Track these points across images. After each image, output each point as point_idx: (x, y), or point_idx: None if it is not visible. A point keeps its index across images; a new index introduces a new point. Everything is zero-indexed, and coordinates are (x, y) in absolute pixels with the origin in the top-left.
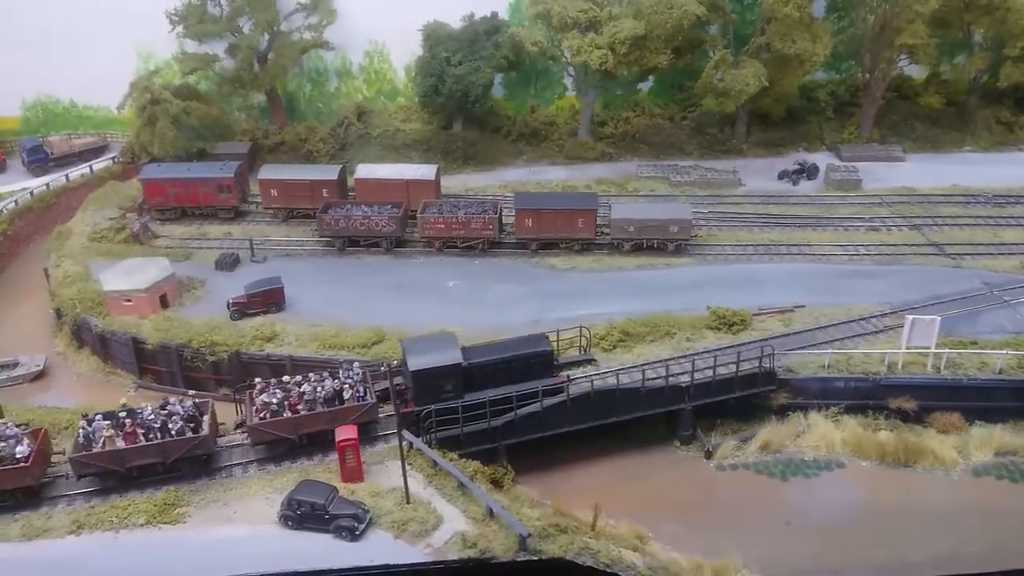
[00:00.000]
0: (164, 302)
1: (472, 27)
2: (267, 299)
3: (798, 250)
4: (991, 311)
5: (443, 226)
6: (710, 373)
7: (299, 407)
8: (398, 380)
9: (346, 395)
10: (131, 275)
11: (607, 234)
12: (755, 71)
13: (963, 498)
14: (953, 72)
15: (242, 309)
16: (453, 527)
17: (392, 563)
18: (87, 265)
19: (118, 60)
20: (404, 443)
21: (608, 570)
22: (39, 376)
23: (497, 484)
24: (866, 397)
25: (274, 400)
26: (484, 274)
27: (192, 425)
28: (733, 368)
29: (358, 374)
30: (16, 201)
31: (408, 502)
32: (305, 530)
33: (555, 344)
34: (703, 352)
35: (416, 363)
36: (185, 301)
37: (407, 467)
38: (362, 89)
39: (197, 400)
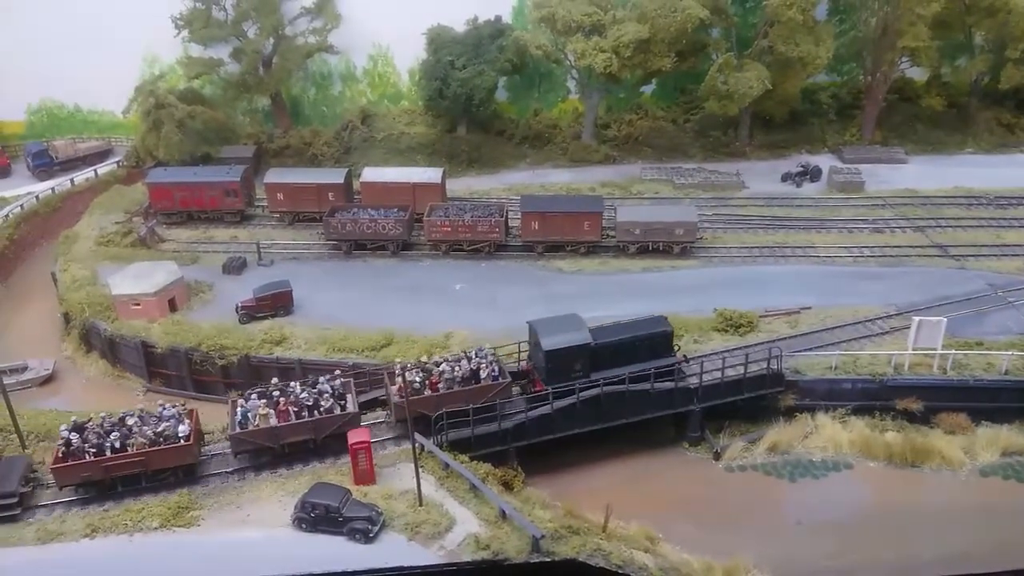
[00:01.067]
0: (173, 306)
1: (476, 31)
2: (275, 302)
3: (803, 252)
4: (996, 312)
5: (449, 229)
6: (718, 375)
7: (439, 386)
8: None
9: (482, 374)
10: (140, 279)
11: (613, 237)
12: (758, 74)
13: (970, 498)
14: (954, 74)
15: (251, 312)
16: (466, 529)
17: (406, 565)
18: (95, 269)
19: (123, 64)
20: (415, 445)
21: (620, 571)
22: (48, 380)
23: (508, 486)
24: (873, 398)
25: (416, 379)
26: (491, 277)
27: (342, 403)
28: (741, 370)
29: (492, 355)
30: (22, 205)
31: (421, 504)
32: (319, 532)
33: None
34: (711, 354)
35: (550, 343)
36: (193, 305)
37: (419, 469)
38: (366, 93)
39: (341, 379)
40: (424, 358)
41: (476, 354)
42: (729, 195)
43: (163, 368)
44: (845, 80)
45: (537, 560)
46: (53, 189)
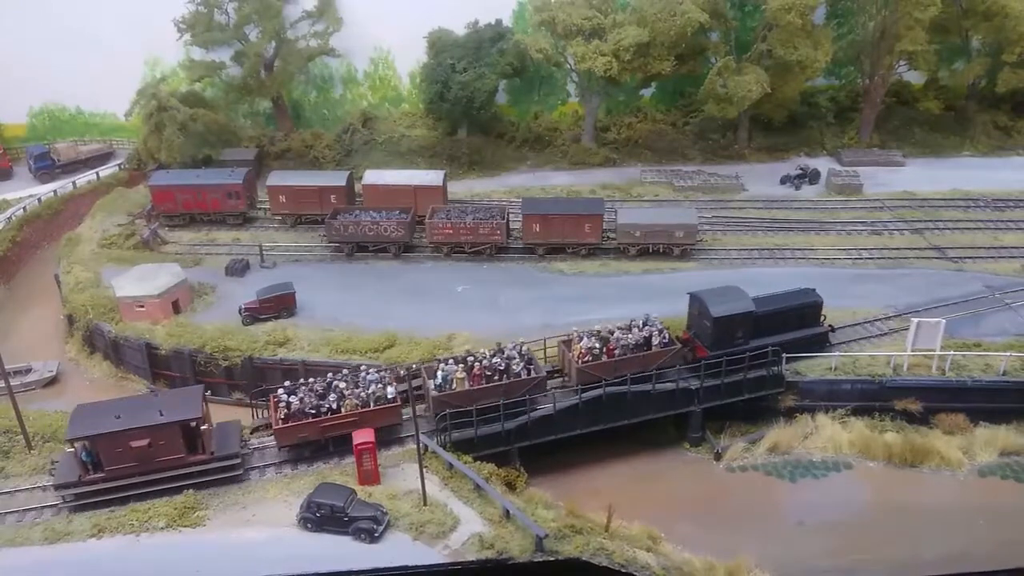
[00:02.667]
0: (176, 307)
1: (477, 34)
2: (279, 304)
3: (802, 254)
4: (994, 314)
5: (451, 231)
6: (719, 376)
7: (615, 352)
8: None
9: (654, 341)
10: (143, 281)
11: (613, 239)
12: (757, 77)
13: (969, 498)
14: (952, 78)
15: (254, 314)
16: (470, 529)
17: (411, 564)
18: (98, 271)
19: (125, 67)
20: (420, 446)
21: (623, 570)
22: (52, 382)
23: (511, 486)
24: (872, 399)
25: (596, 346)
26: (492, 279)
27: (531, 367)
28: (741, 372)
29: (660, 324)
30: (24, 208)
31: (425, 504)
32: (324, 532)
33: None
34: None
35: (718, 310)
36: (197, 307)
37: (423, 470)
38: (367, 96)
39: (523, 345)
40: (598, 327)
41: (645, 323)
42: (728, 197)
43: (167, 370)
44: (843, 83)
45: (541, 559)
46: (55, 192)
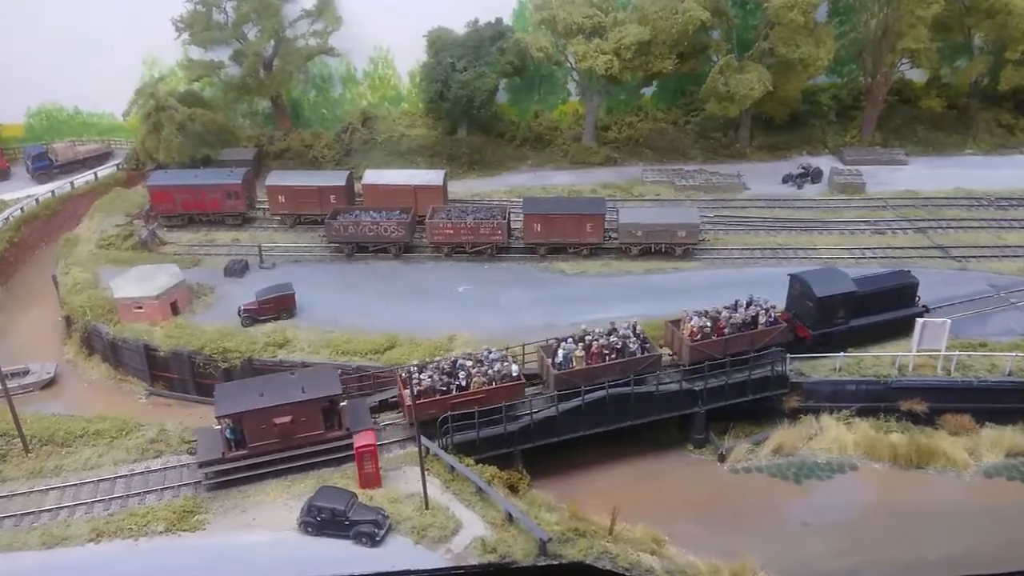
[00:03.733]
0: (175, 309)
1: (477, 33)
2: (278, 305)
3: (805, 254)
4: (999, 313)
5: (452, 231)
6: (723, 377)
7: (725, 331)
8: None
9: (761, 320)
10: (142, 282)
11: (615, 239)
12: (759, 76)
13: (975, 499)
14: (954, 76)
15: (253, 315)
16: (472, 532)
17: (412, 568)
18: (96, 272)
19: (123, 67)
20: (421, 448)
21: (627, 573)
22: (50, 384)
23: (513, 489)
24: (877, 400)
25: (707, 325)
26: (494, 279)
27: (646, 346)
28: (745, 372)
29: (766, 304)
30: (22, 208)
31: (427, 508)
32: (325, 536)
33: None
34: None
35: (821, 291)
36: (195, 308)
37: (425, 472)
38: (367, 95)
39: (636, 325)
40: (708, 308)
41: (749, 303)
42: (730, 197)
43: (165, 371)
44: (845, 82)
45: (544, 563)
46: (53, 192)
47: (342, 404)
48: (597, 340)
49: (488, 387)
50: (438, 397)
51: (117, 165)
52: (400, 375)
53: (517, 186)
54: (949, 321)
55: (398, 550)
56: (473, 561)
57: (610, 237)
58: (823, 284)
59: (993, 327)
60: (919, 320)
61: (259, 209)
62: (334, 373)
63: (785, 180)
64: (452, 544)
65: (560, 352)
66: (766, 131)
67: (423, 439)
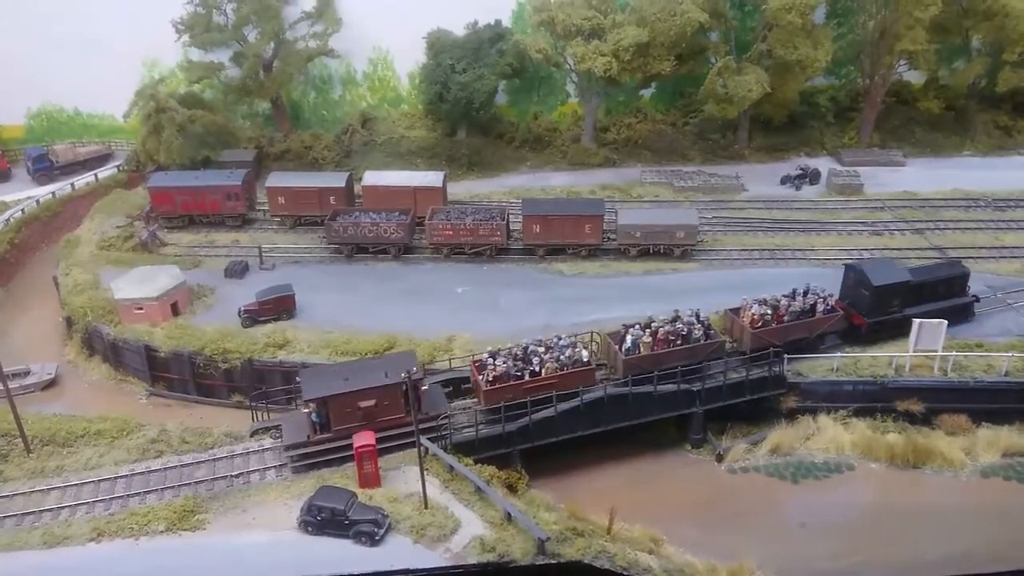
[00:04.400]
0: (175, 310)
1: (476, 35)
2: (278, 306)
3: (803, 255)
4: (996, 314)
5: (451, 233)
6: (721, 377)
7: (784, 318)
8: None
9: (819, 308)
10: (142, 283)
11: (614, 240)
12: (757, 77)
13: (972, 498)
14: (952, 77)
15: (253, 316)
16: (471, 531)
17: (412, 567)
18: (97, 273)
19: (123, 68)
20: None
21: (625, 573)
22: (50, 384)
23: (512, 489)
24: (874, 400)
25: (768, 312)
26: (493, 280)
27: (709, 332)
28: (743, 372)
29: (823, 292)
30: (23, 210)
31: (426, 507)
32: (325, 536)
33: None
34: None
35: (878, 280)
36: (196, 309)
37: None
38: (366, 97)
39: (699, 313)
40: (766, 296)
41: (806, 292)
42: (729, 198)
43: (166, 372)
44: (843, 83)
45: (542, 562)
46: (53, 193)
47: (423, 388)
48: (663, 327)
49: (560, 372)
50: (512, 382)
51: (117, 167)
52: (474, 362)
53: (516, 187)
54: (946, 322)
55: (397, 549)
56: (472, 560)
57: (609, 238)
58: (879, 274)
59: (990, 328)
60: (915, 321)
61: (259, 210)
62: (413, 357)
63: (783, 181)
64: (451, 543)
65: (628, 338)
66: (764, 132)
67: (423, 439)
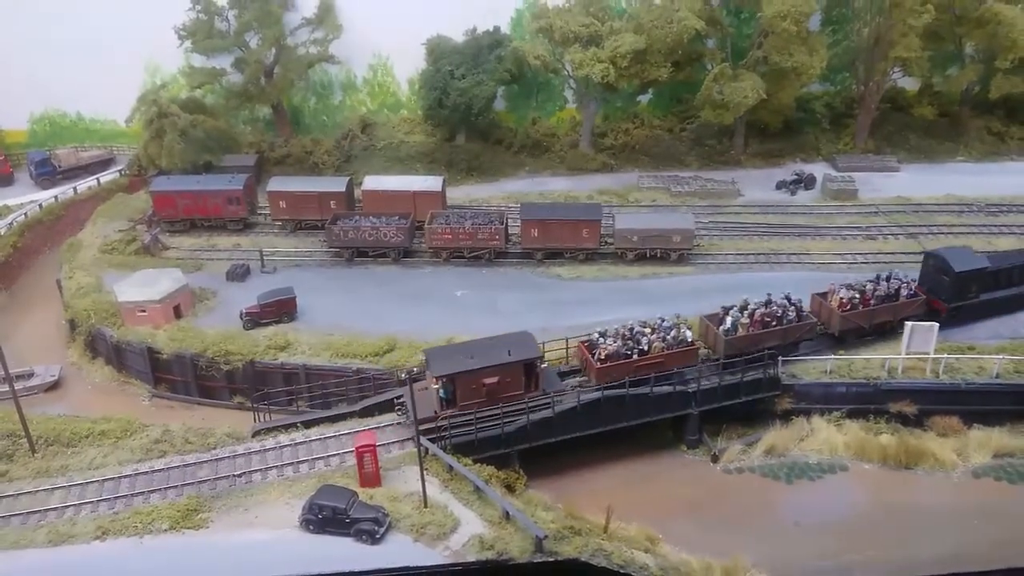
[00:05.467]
0: (178, 312)
1: (475, 41)
2: (280, 309)
3: (798, 259)
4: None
5: (450, 236)
6: (716, 379)
7: (871, 302)
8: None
9: (903, 293)
10: (145, 286)
11: (611, 244)
12: (753, 84)
13: (964, 499)
14: (946, 84)
15: (255, 319)
16: (470, 530)
17: (412, 565)
18: (99, 276)
19: (126, 74)
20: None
21: (622, 571)
22: (54, 386)
23: (510, 488)
24: (867, 401)
25: (856, 296)
26: (491, 283)
27: (801, 314)
28: (738, 374)
29: (906, 278)
30: (25, 214)
31: (426, 506)
32: (326, 534)
33: (565, 351)
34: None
35: (959, 266)
36: (198, 311)
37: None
38: (366, 102)
39: (791, 295)
40: (852, 282)
41: (889, 277)
42: (725, 203)
43: (168, 374)
44: (838, 89)
45: (540, 560)
46: (56, 197)
47: (542, 366)
48: (759, 308)
49: (667, 351)
50: (622, 361)
51: (120, 171)
52: (582, 343)
53: (515, 192)
54: (937, 325)
55: (398, 547)
56: (471, 558)
57: (606, 242)
58: (960, 261)
59: (981, 331)
60: (908, 323)
61: (260, 214)
62: (532, 337)
63: (779, 187)
64: (450, 541)
65: (728, 320)
66: (760, 138)
67: (422, 439)
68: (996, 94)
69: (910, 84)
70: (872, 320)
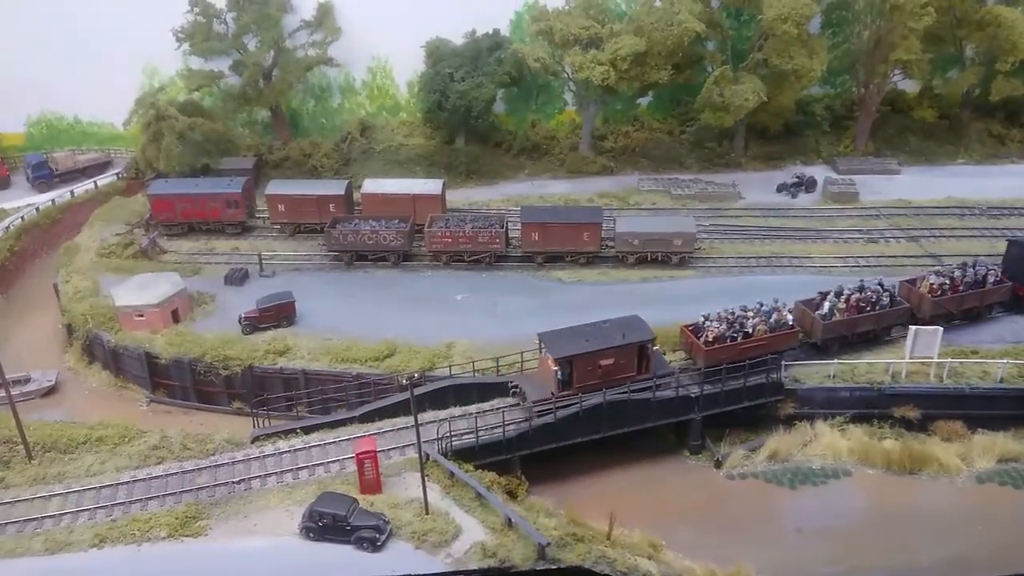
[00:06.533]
0: (176, 317)
1: (475, 43)
2: (279, 313)
3: (799, 262)
4: (990, 321)
5: (450, 240)
6: (719, 384)
7: (960, 288)
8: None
9: (989, 279)
10: (143, 290)
11: (612, 247)
12: (753, 86)
13: (968, 504)
14: (946, 86)
15: (254, 323)
16: (472, 537)
17: (413, 573)
18: (96, 281)
19: (123, 76)
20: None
21: None
22: (51, 391)
23: (512, 495)
24: (871, 406)
25: (946, 282)
26: (491, 287)
27: (897, 299)
28: (741, 379)
29: (990, 266)
30: (22, 217)
31: (427, 513)
32: (327, 541)
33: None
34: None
35: None
36: (196, 316)
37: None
38: (365, 105)
39: (883, 282)
40: (940, 268)
41: (974, 264)
42: (726, 206)
43: (166, 379)
44: (839, 92)
45: (543, 567)
46: (53, 201)
47: (654, 349)
48: (854, 294)
49: (770, 334)
50: (728, 343)
51: (117, 174)
52: (687, 326)
53: (515, 195)
54: (941, 329)
55: (399, 555)
56: (473, 566)
57: (607, 246)
58: None
59: (985, 335)
60: (911, 327)
61: (259, 218)
62: (642, 320)
63: (779, 189)
64: (452, 549)
65: (826, 305)
66: (761, 141)
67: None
68: (996, 97)
69: (910, 87)
70: (961, 306)
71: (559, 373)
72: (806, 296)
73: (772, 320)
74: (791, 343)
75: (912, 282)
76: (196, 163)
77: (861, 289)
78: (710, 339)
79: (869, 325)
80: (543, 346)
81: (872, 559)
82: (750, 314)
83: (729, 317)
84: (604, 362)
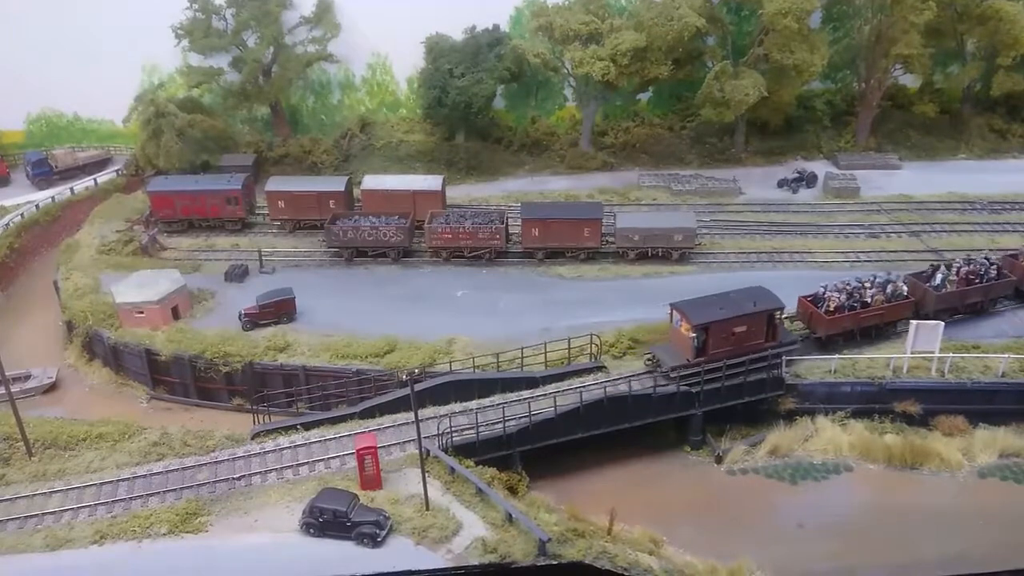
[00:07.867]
0: (176, 314)
1: (474, 39)
2: (279, 310)
3: (800, 257)
4: (992, 316)
5: (450, 236)
6: (720, 379)
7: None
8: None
9: None
10: (143, 287)
11: (612, 243)
12: (754, 81)
13: (969, 499)
14: (947, 81)
15: (254, 320)
16: (473, 533)
17: (414, 569)
18: (97, 278)
19: (123, 74)
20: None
21: (626, 574)
22: (51, 388)
23: (512, 491)
24: (872, 401)
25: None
26: (492, 284)
27: (1004, 272)
28: (741, 375)
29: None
30: (22, 214)
31: (428, 509)
32: (327, 537)
33: (566, 352)
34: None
35: None
36: (196, 313)
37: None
38: (365, 101)
39: (991, 256)
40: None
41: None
42: (726, 201)
43: (167, 375)
44: (839, 87)
45: (543, 563)
46: (53, 198)
47: (781, 317)
48: (963, 267)
49: (887, 304)
50: (848, 313)
51: (117, 171)
52: (805, 297)
53: (515, 191)
54: (942, 323)
55: (399, 551)
56: (474, 561)
57: (607, 242)
58: None
59: (986, 329)
60: (913, 322)
61: (259, 214)
62: (768, 290)
63: (780, 185)
64: (453, 544)
65: (938, 276)
66: (761, 136)
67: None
68: (997, 91)
69: (911, 81)
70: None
71: (695, 340)
72: (809, 291)
73: (888, 291)
74: (907, 313)
75: (1015, 256)
76: (196, 160)
77: (969, 262)
78: (831, 308)
79: (978, 296)
80: (678, 315)
81: (873, 554)
82: (867, 285)
83: (848, 288)
84: (737, 329)
